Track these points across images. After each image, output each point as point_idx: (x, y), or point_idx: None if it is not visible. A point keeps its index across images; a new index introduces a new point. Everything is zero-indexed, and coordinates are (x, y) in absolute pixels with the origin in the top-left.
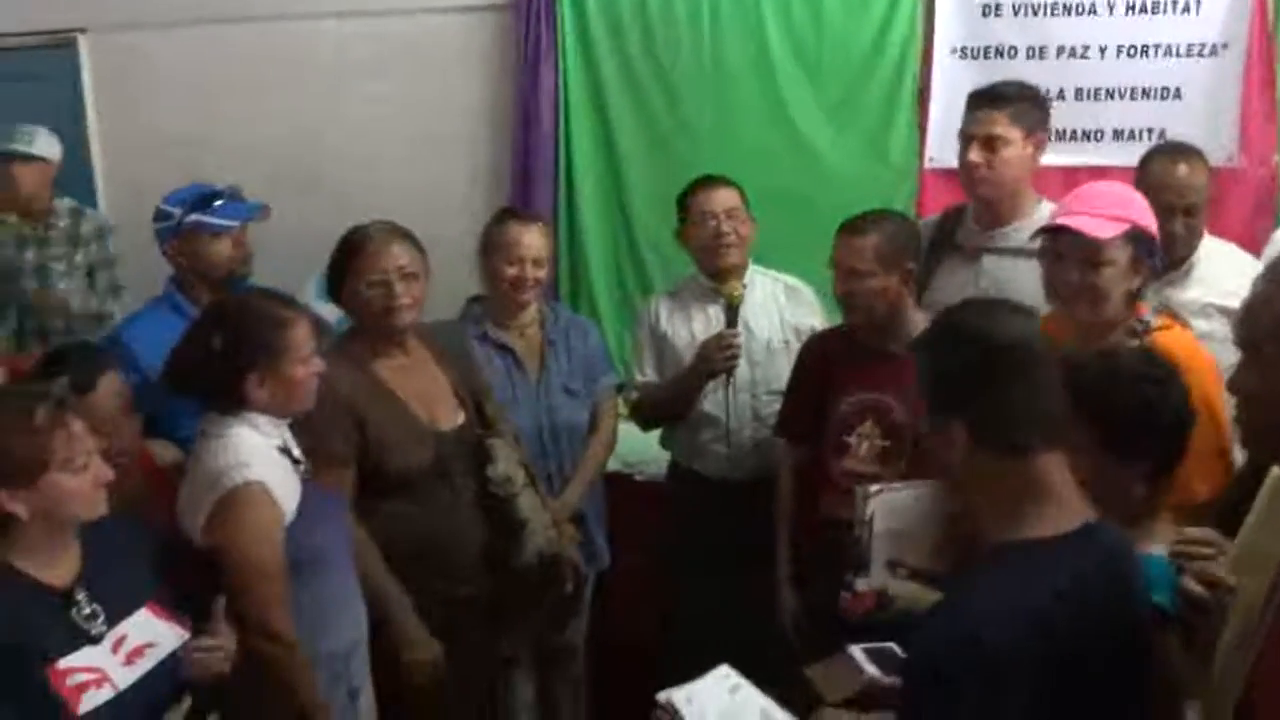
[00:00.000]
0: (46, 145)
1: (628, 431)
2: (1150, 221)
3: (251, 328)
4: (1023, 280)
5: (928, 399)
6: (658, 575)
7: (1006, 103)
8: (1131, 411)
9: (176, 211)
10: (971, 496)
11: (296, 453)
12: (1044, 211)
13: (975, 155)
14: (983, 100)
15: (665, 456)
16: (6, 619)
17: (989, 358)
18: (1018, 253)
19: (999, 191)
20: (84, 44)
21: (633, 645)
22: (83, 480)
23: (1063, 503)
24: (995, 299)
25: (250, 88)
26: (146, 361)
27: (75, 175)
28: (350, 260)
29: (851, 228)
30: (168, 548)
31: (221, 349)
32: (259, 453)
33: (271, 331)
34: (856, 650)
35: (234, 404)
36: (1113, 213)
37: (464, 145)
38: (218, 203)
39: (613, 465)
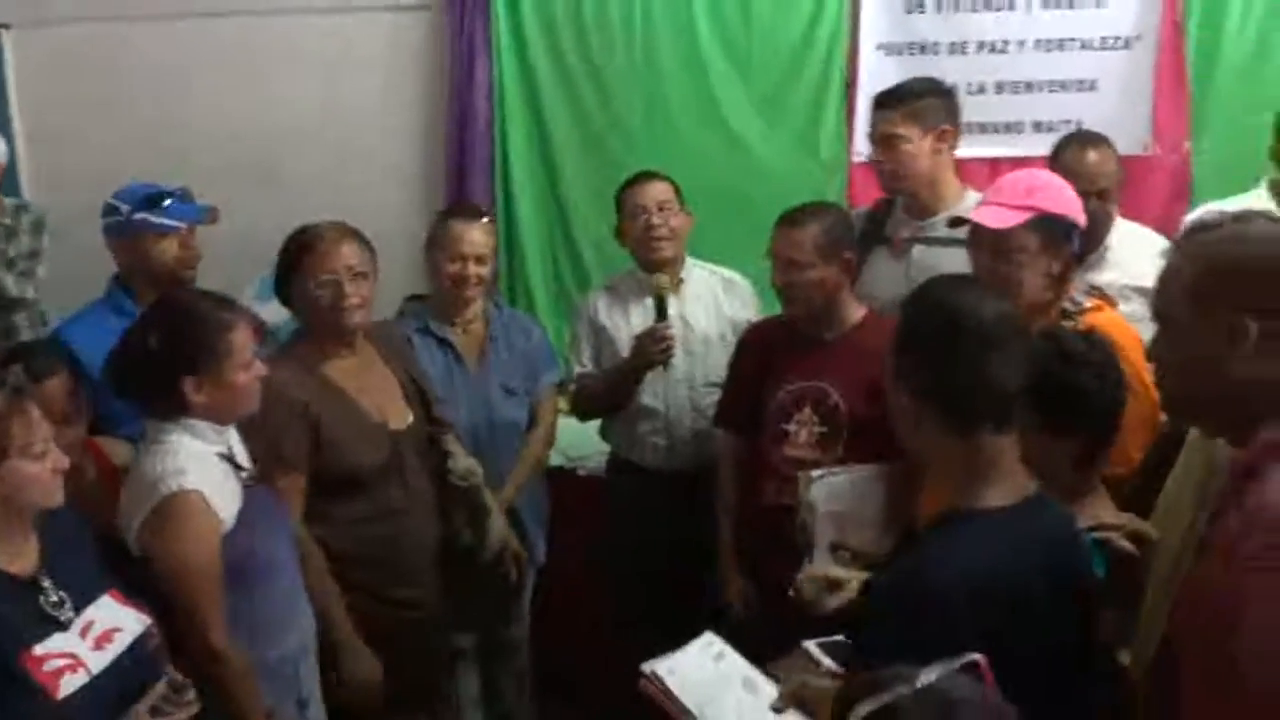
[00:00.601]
0: None
1: (569, 425)
2: (1064, 206)
3: (190, 331)
4: (950, 269)
5: (891, 368)
6: (597, 567)
7: (900, 102)
8: (1069, 395)
9: (125, 208)
10: (926, 465)
11: (241, 459)
12: (970, 201)
13: (877, 154)
14: (880, 102)
15: (607, 450)
16: None
17: (952, 335)
18: (946, 242)
19: (906, 185)
20: (7, 39)
21: (575, 639)
22: (41, 467)
23: (1009, 477)
24: (971, 278)
25: (181, 85)
26: (87, 360)
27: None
28: (299, 260)
29: (790, 220)
30: (118, 546)
31: (159, 352)
32: (197, 460)
33: (211, 335)
34: (811, 645)
35: (172, 409)
36: (1018, 202)
37: (399, 143)
38: (166, 202)
39: (555, 459)
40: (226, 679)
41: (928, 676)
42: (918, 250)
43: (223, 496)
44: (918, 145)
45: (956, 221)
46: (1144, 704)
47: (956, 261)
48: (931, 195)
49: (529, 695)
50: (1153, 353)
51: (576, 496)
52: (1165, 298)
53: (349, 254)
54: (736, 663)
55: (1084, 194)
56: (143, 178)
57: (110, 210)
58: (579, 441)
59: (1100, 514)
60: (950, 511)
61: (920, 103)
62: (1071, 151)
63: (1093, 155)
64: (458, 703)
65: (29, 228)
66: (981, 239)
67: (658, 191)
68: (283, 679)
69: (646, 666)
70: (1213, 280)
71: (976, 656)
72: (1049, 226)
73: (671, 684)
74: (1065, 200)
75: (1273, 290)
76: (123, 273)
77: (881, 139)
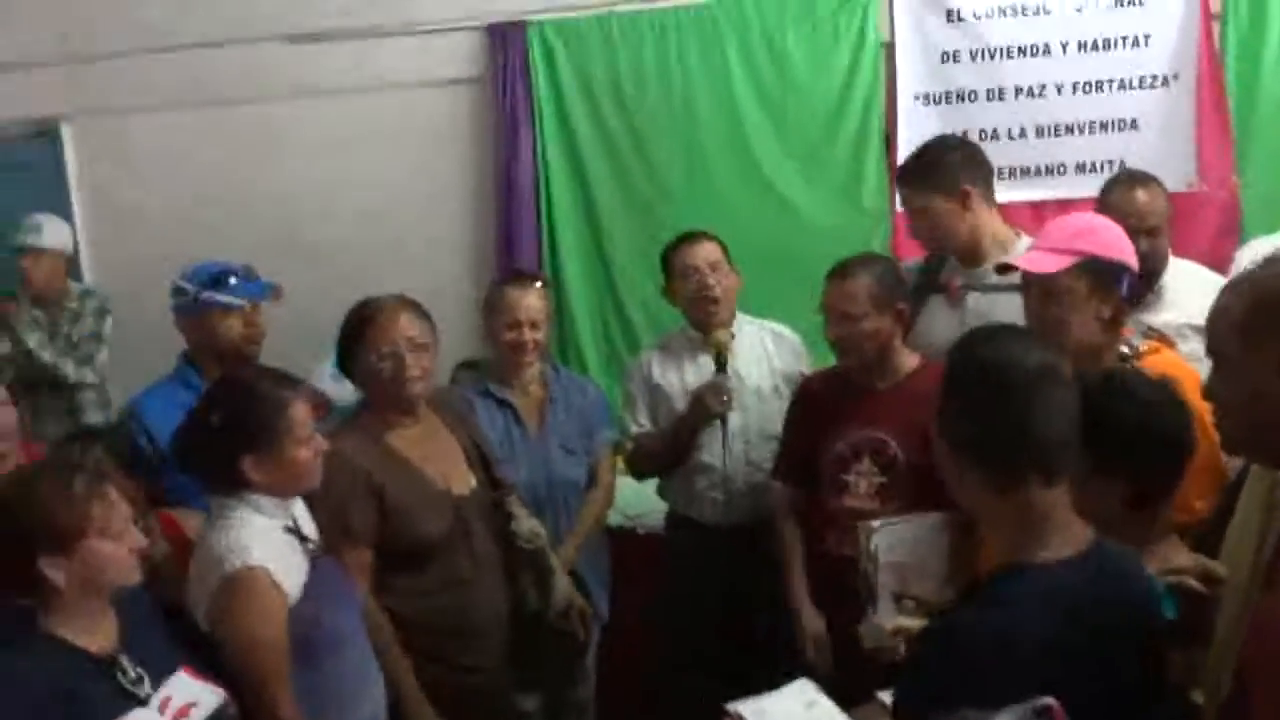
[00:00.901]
0: (54, 235)
1: (627, 484)
2: (1112, 249)
3: (249, 409)
4: (1004, 315)
5: (938, 425)
6: (658, 623)
7: (914, 174)
8: (1115, 433)
9: (191, 289)
10: (980, 521)
11: (306, 529)
12: (1022, 244)
13: (912, 225)
14: (900, 176)
15: (664, 508)
16: (59, 689)
17: (992, 386)
18: (1002, 288)
19: (947, 246)
20: (66, 130)
21: (638, 697)
22: (119, 547)
23: (1064, 529)
24: (1016, 328)
25: (233, 166)
26: (159, 432)
27: None
28: (360, 333)
29: (842, 272)
30: (190, 621)
31: (220, 430)
32: (261, 535)
33: (269, 413)
34: (885, 695)
35: (234, 485)
36: (1065, 246)
37: (449, 214)
38: (231, 281)
39: (614, 519)
40: None
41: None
42: (972, 298)
43: (288, 570)
44: (943, 209)
45: (1004, 269)
46: None
47: (1011, 307)
48: (976, 246)
49: None
50: (1208, 391)
51: (637, 555)
52: (1216, 335)
53: (408, 326)
54: (830, 712)
55: (1134, 233)
56: (201, 258)
57: (178, 291)
58: (637, 500)
59: (1171, 558)
60: (1007, 565)
61: (935, 170)
62: (1120, 191)
63: (1141, 194)
64: None
65: (93, 312)
66: (1030, 283)
67: (707, 252)
68: None
69: (732, 707)
70: (1261, 315)
71: (1050, 700)
72: (1097, 270)
73: None
74: (1114, 243)
75: None
76: (190, 350)
77: (909, 212)
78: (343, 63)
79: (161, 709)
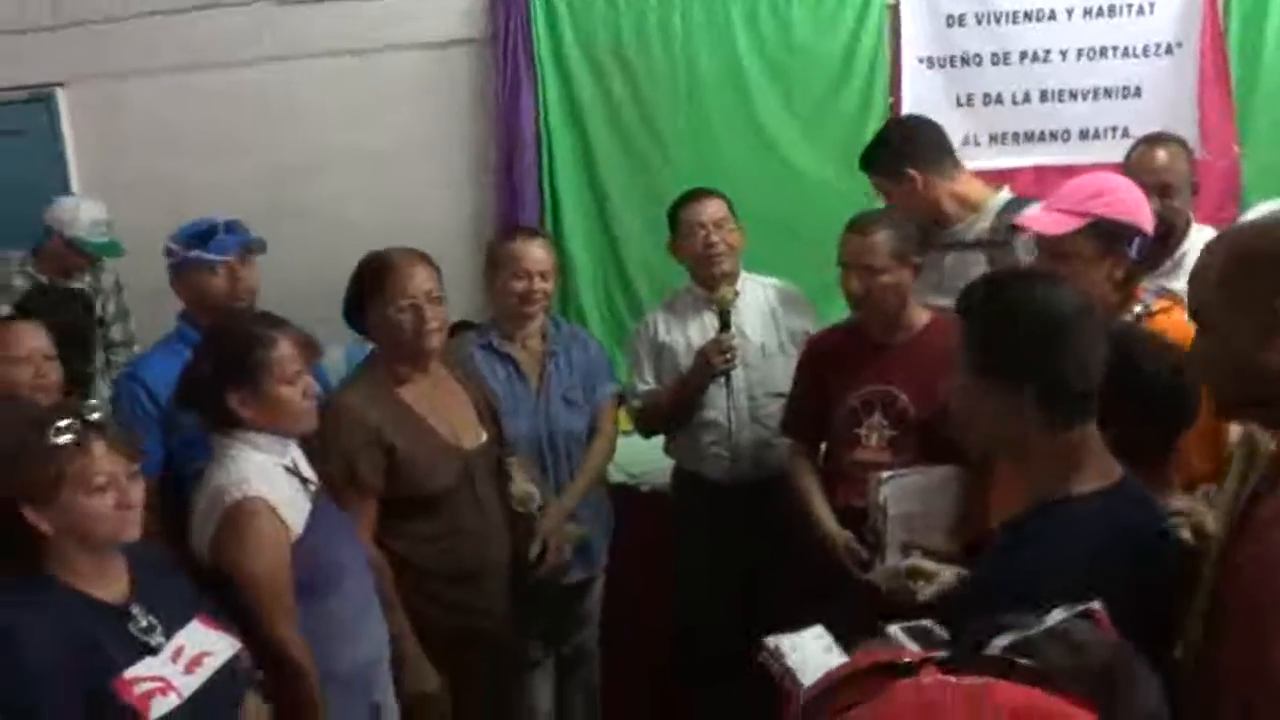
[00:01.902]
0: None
1: (630, 443)
2: (1125, 211)
3: (232, 346)
4: (972, 273)
5: (973, 363)
6: (665, 580)
7: (863, 165)
8: (1132, 386)
9: (177, 248)
10: (999, 461)
11: (306, 472)
12: (997, 200)
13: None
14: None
15: (668, 466)
16: (71, 635)
17: (1056, 327)
18: (974, 245)
19: (914, 219)
20: (62, 96)
21: (644, 654)
22: (102, 501)
23: (1101, 461)
24: (1036, 271)
25: (229, 130)
26: (161, 394)
27: None
28: (376, 286)
29: (861, 226)
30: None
31: (208, 367)
32: (259, 470)
33: (251, 349)
34: (896, 630)
35: (225, 422)
36: (1076, 207)
37: (447, 177)
38: (215, 237)
39: (618, 477)
40: (301, 683)
41: (1053, 619)
42: (950, 258)
43: (289, 505)
44: (897, 191)
45: (1016, 228)
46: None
47: (981, 266)
48: (939, 214)
49: (599, 709)
50: (1193, 356)
51: (641, 512)
52: (1198, 296)
53: (425, 278)
54: (840, 660)
55: (1144, 188)
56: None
57: (168, 252)
58: (641, 458)
59: (1171, 504)
60: (1045, 501)
61: (877, 161)
62: (1140, 150)
63: (1160, 153)
64: (530, 715)
65: (113, 288)
66: (1040, 243)
67: (713, 209)
68: (355, 687)
69: (770, 641)
70: (1240, 271)
71: (1095, 604)
72: (1106, 232)
73: (792, 662)
74: (1128, 206)
75: None
76: (187, 309)
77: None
78: (341, 25)
79: (174, 658)
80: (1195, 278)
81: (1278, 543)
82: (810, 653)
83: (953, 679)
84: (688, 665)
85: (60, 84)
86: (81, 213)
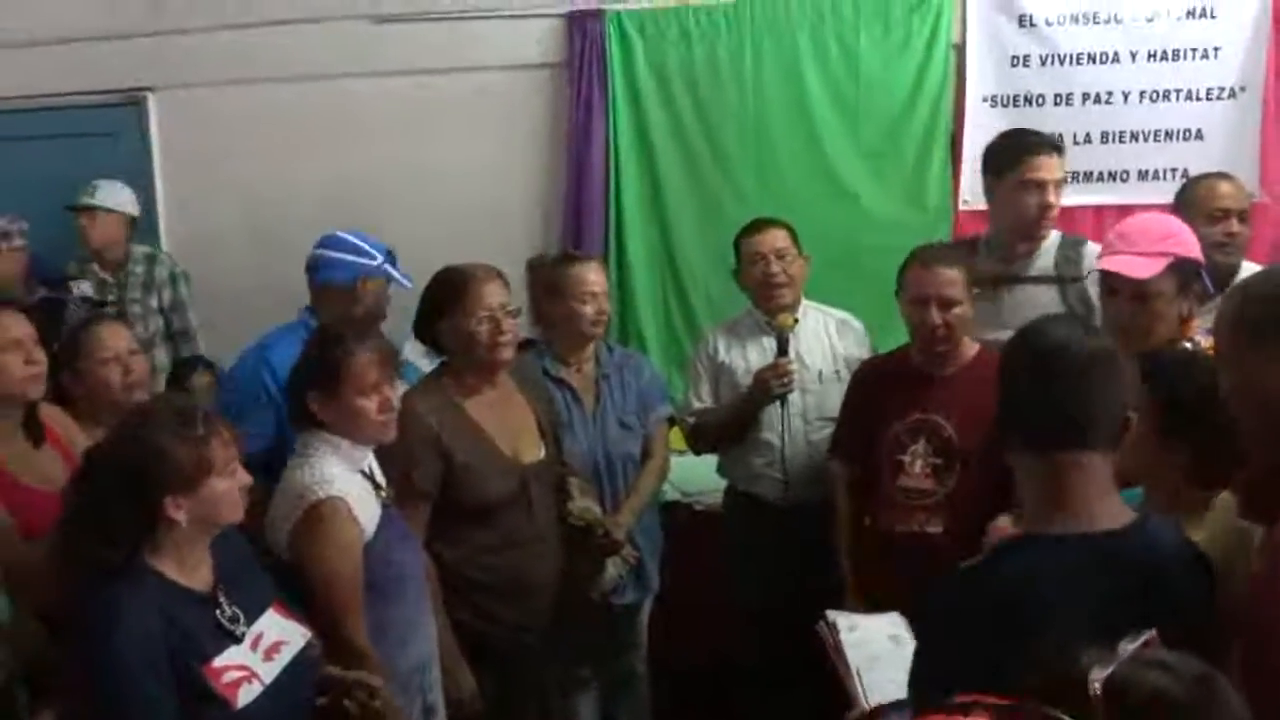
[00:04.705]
0: (110, 195)
1: (684, 462)
2: (1193, 249)
3: (316, 352)
4: (1041, 306)
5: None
6: (717, 598)
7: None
8: (1188, 399)
9: (380, 256)
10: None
11: (379, 478)
12: (1053, 239)
13: (1044, 198)
14: (1046, 147)
15: (721, 486)
16: (168, 624)
17: (1026, 363)
18: (1036, 280)
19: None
20: (152, 101)
21: (696, 673)
22: (233, 485)
23: (1085, 505)
24: (1063, 315)
25: (310, 142)
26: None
27: (144, 224)
28: (456, 296)
29: (936, 258)
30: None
31: (296, 369)
32: (339, 472)
33: (331, 357)
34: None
35: (305, 421)
36: (1156, 249)
37: (518, 198)
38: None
39: (672, 495)
40: (373, 678)
41: (1125, 648)
42: (1011, 293)
43: (364, 509)
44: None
45: (1104, 275)
46: None
47: (1048, 299)
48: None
49: None
50: (1223, 394)
51: (693, 531)
52: (1219, 339)
53: (500, 292)
54: (904, 652)
55: (1213, 217)
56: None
57: (360, 251)
58: (694, 478)
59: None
60: (1021, 536)
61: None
62: (1205, 184)
63: (1224, 184)
64: None
65: (167, 280)
66: (1121, 286)
67: (776, 239)
68: (410, 687)
69: (830, 614)
70: (1254, 314)
71: (1151, 632)
72: (1183, 270)
73: (845, 639)
74: (1195, 245)
75: None
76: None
77: (1054, 184)
78: (426, 43)
79: (253, 645)
80: (1217, 322)
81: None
82: (868, 636)
83: None
84: (740, 683)
85: (151, 88)
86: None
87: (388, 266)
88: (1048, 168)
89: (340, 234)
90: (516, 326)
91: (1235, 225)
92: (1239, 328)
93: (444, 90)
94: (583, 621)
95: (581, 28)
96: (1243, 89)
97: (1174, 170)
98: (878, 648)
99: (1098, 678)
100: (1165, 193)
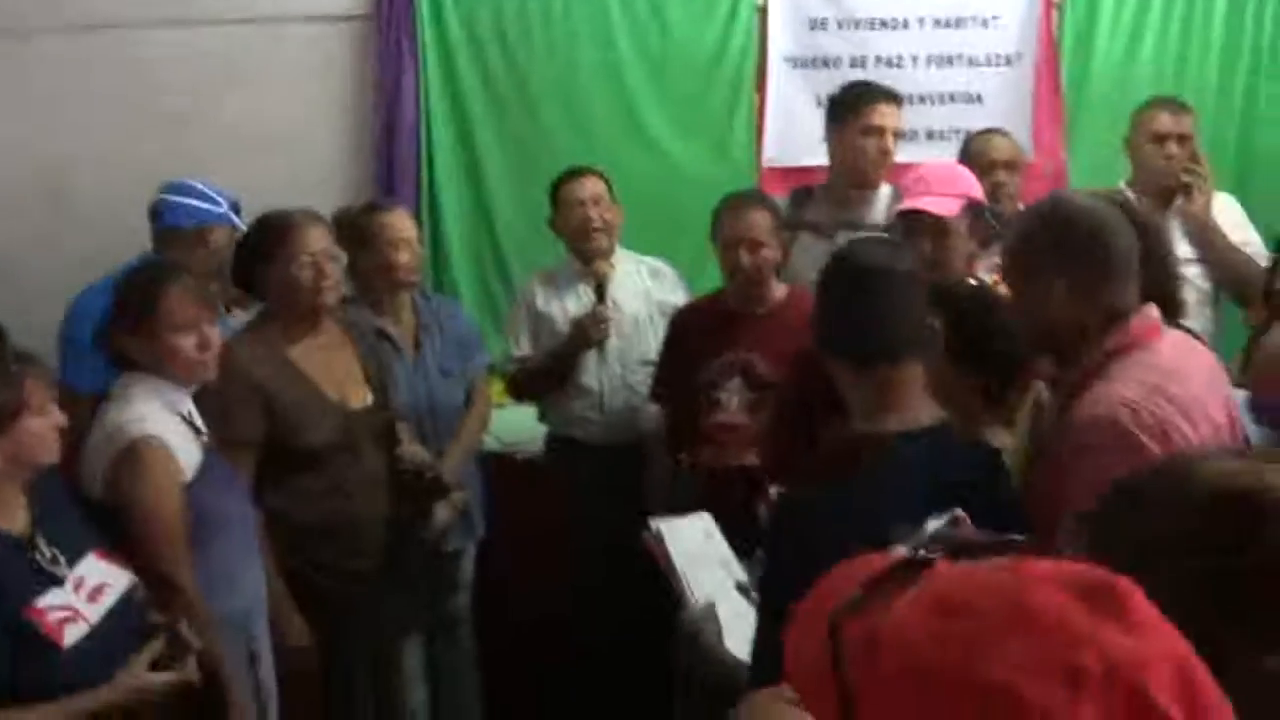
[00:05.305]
0: None
1: (503, 412)
2: (979, 191)
3: (124, 291)
4: None
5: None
6: (538, 546)
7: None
8: (973, 329)
9: (224, 204)
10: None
11: (198, 422)
12: (884, 192)
13: (889, 144)
14: (885, 95)
15: (540, 435)
16: None
17: (847, 282)
18: (872, 227)
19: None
20: None
21: (520, 619)
22: (46, 423)
23: (909, 406)
24: (873, 238)
25: (103, 97)
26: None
27: None
28: (275, 242)
29: (744, 205)
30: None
31: (108, 306)
32: (156, 412)
33: (141, 293)
34: None
35: (119, 359)
36: (951, 190)
37: (326, 151)
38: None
39: (492, 446)
40: (194, 618)
41: (931, 528)
42: (842, 235)
43: (182, 450)
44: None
45: (909, 213)
46: None
47: None
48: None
49: (476, 674)
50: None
51: (515, 479)
52: (1002, 263)
53: (323, 237)
54: (720, 545)
55: (993, 166)
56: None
57: (204, 196)
58: (514, 427)
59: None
60: (854, 438)
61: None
62: (980, 139)
63: (999, 138)
64: (402, 678)
65: None
66: (923, 225)
67: (593, 186)
68: (232, 633)
69: (653, 522)
70: (1033, 241)
71: (958, 511)
72: (974, 210)
73: (669, 546)
74: (979, 188)
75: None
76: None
77: (892, 132)
78: None
79: (76, 589)
80: (1000, 251)
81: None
82: (684, 538)
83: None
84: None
85: None
86: None
87: (232, 215)
88: (886, 115)
89: (186, 180)
90: (339, 272)
91: (1002, 175)
92: (1020, 254)
93: (247, 41)
94: (411, 567)
95: None
96: (1018, 56)
97: (956, 131)
98: (695, 546)
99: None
100: (950, 151)
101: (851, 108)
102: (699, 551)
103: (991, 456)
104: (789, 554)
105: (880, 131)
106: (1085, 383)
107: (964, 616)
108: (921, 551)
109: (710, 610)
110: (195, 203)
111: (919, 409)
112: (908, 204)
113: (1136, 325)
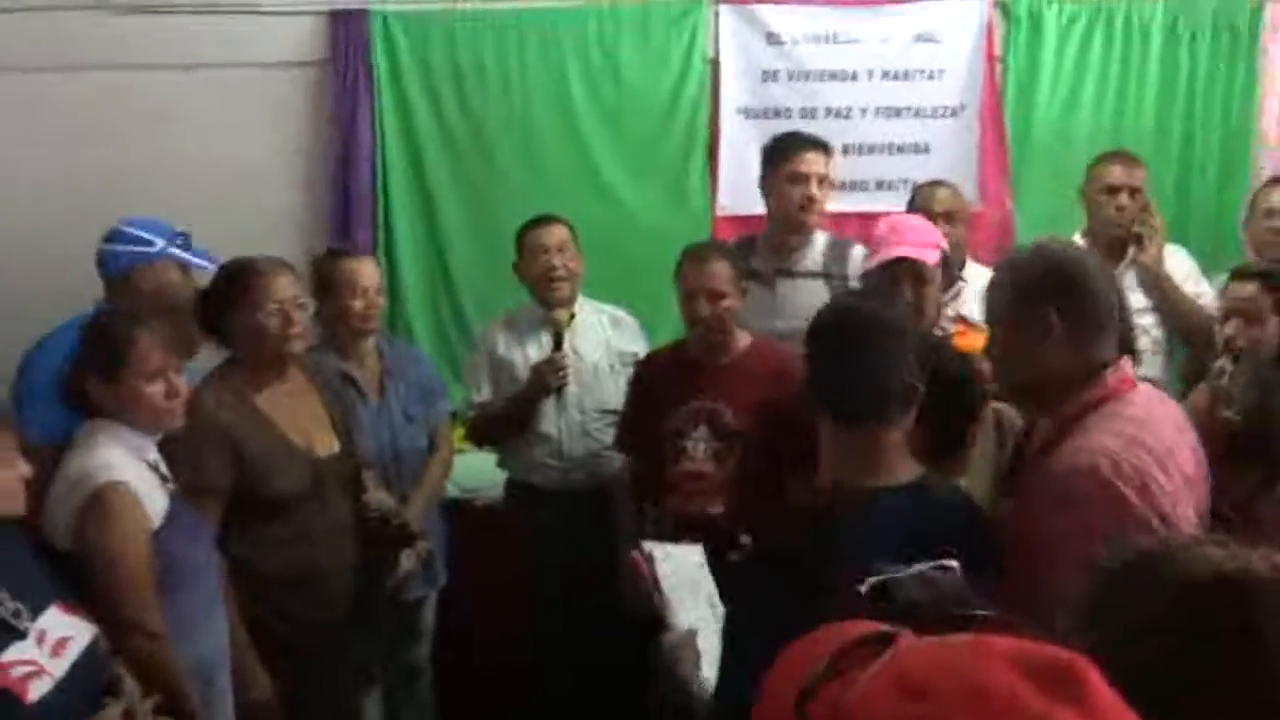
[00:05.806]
0: None
1: (465, 460)
2: (944, 241)
3: (92, 337)
4: (812, 298)
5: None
6: (499, 593)
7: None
8: (955, 390)
9: (160, 242)
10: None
11: (164, 470)
12: (823, 239)
13: (809, 192)
14: (810, 144)
15: (500, 481)
16: None
17: (841, 337)
18: (807, 275)
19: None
20: None
21: (481, 667)
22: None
23: (888, 467)
24: (872, 292)
25: (60, 137)
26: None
27: None
28: (244, 288)
29: (704, 255)
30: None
31: (75, 352)
32: (122, 459)
33: (112, 341)
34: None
35: (86, 407)
36: (929, 241)
37: (282, 197)
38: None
39: (452, 492)
40: (165, 661)
41: (918, 568)
42: (782, 283)
43: (149, 498)
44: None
45: (899, 261)
46: None
47: (817, 293)
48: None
49: None
50: (986, 350)
51: (475, 526)
52: (987, 306)
53: (289, 284)
54: (708, 582)
55: (934, 218)
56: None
57: (134, 240)
58: (473, 473)
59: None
60: (831, 493)
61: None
62: (925, 191)
63: (943, 190)
64: None
65: None
66: (905, 273)
67: (559, 234)
68: (195, 683)
69: (646, 545)
70: (1020, 287)
71: (952, 562)
72: (944, 260)
73: (660, 568)
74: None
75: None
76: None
77: (818, 178)
78: (180, 35)
79: (39, 642)
80: (990, 291)
81: (1038, 511)
82: (679, 565)
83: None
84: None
85: None
86: None
87: (174, 250)
88: (810, 162)
89: (122, 226)
90: (306, 320)
91: (944, 226)
92: (1008, 300)
93: (202, 86)
94: (375, 617)
95: (345, 26)
96: (963, 107)
97: (905, 181)
98: (686, 573)
99: (872, 581)
100: (897, 202)
101: (780, 155)
102: (689, 578)
103: (973, 510)
104: (760, 603)
105: (805, 178)
106: (1064, 432)
107: (923, 699)
108: (896, 600)
109: (690, 638)
110: (123, 247)
111: (900, 469)
112: (895, 252)
113: (1112, 377)
